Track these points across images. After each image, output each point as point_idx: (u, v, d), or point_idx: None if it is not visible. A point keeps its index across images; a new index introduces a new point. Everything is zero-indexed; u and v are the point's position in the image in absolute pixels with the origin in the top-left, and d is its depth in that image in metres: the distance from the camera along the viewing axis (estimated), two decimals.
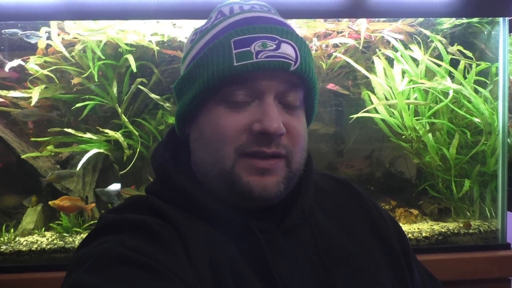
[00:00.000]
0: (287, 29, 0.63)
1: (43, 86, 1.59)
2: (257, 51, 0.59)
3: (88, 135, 1.58)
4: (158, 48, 1.59)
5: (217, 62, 0.60)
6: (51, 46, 1.58)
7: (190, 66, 0.65)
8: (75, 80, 1.61)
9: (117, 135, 1.58)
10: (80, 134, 1.57)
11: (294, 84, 0.63)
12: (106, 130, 1.58)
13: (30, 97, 1.53)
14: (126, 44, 1.57)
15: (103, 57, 1.55)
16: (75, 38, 1.57)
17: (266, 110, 0.60)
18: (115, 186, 1.69)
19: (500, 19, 1.55)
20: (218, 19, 0.66)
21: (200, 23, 0.72)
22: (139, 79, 1.63)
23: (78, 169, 1.60)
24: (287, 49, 0.61)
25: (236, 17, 0.64)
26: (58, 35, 1.55)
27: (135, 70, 1.54)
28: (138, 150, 1.60)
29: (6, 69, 1.55)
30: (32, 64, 1.56)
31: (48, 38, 1.55)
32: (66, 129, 1.56)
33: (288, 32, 0.63)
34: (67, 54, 1.57)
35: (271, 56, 0.59)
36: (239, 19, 0.64)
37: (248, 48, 0.59)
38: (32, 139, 1.59)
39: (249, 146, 0.60)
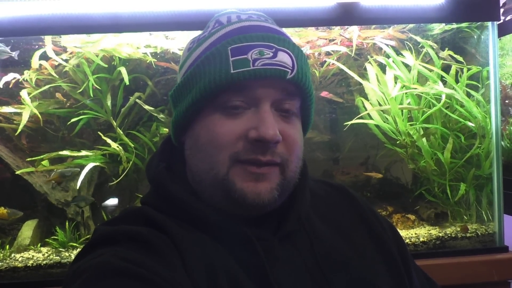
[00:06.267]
0: (284, 38, 0.64)
1: (36, 103, 1.58)
2: (254, 59, 0.60)
3: (84, 153, 1.57)
4: (154, 60, 1.59)
5: (214, 70, 0.60)
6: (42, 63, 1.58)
7: (187, 74, 0.65)
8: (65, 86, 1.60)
9: (119, 148, 1.57)
10: (75, 154, 1.56)
11: (290, 92, 0.63)
12: (108, 140, 1.55)
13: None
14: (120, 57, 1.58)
15: (100, 69, 1.55)
16: (71, 53, 1.57)
17: (262, 117, 0.60)
18: (112, 201, 1.68)
19: (489, 24, 1.57)
20: (215, 28, 0.66)
21: (194, 34, 0.72)
22: (137, 93, 1.63)
23: (78, 186, 1.58)
24: (283, 57, 0.61)
25: (233, 25, 0.65)
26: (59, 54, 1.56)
27: (127, 83, 1.53)
28: (131, 162, 1.59)
29: (0, 84, 1.54)
30: (24, 92, 1.54)
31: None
32: (61, 152, 1.55)
33: (285, 41, 0.63)
34: (54, 74, 1.57)
35: (268, 64, 0.60)
36: (236, 28, 0.64)
37: (245, 56, 0.60)
38: (28, 159, 1.57)
39: (244, 153, 0.60)
